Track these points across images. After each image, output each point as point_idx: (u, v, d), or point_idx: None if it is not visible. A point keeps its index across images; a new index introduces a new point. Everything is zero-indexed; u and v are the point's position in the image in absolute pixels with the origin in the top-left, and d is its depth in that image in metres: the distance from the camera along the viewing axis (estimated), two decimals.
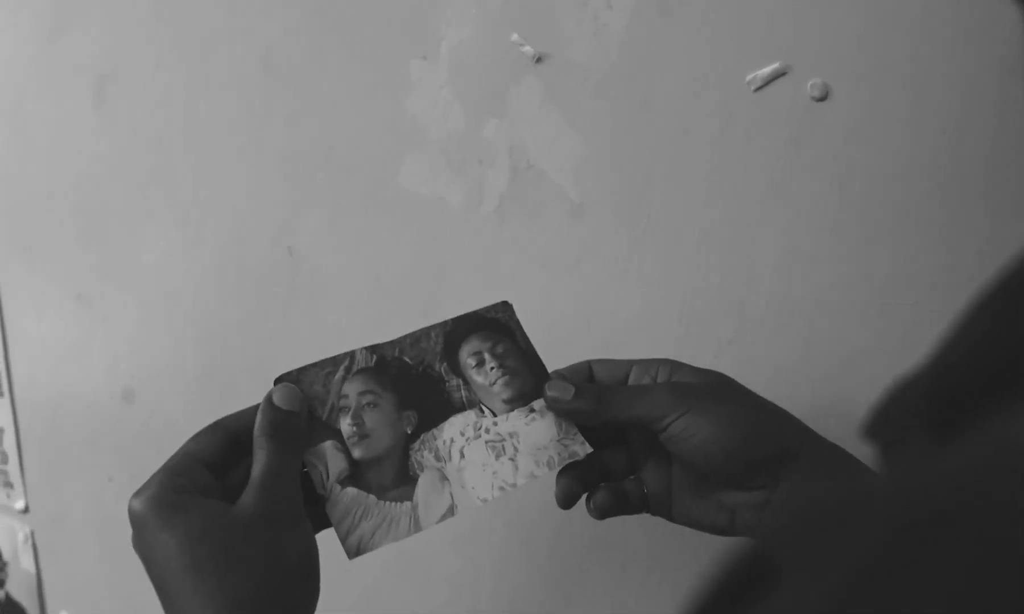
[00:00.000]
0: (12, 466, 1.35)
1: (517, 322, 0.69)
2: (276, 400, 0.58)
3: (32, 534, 1.38)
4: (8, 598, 1.46)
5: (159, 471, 0.56)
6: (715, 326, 0.86)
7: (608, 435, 0.67)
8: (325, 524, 0.59)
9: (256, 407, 0.59)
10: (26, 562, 1.41)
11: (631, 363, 0.67)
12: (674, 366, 0.68)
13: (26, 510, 1.37)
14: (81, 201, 1.16)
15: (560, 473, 0.64)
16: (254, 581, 0.51)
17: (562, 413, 0.65)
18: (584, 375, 0.67)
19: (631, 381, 0.67)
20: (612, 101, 0.84)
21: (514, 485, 0.62)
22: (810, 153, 0.78)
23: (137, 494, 0.55)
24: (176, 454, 0.57)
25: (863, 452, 0.55)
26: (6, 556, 1.43)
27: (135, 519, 0.55)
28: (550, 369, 0.67)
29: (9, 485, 1.37)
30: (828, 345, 0.81)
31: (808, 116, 0.77)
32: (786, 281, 0.82)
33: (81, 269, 1.18)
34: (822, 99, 0.76)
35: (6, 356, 1.29)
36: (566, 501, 0.64)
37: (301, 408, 0.59)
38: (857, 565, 0.22)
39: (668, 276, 0.86)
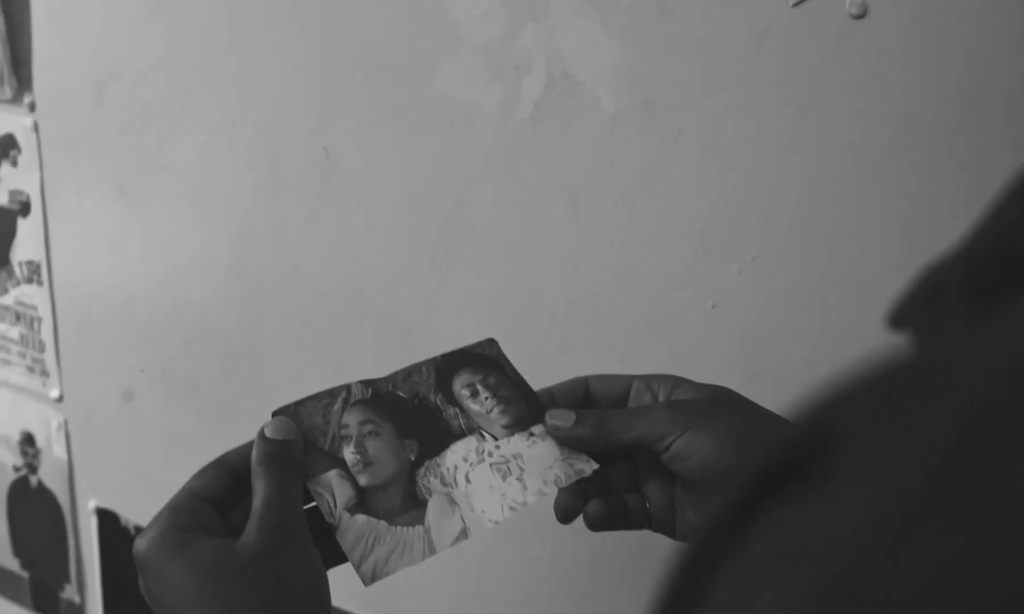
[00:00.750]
0: (48, 355, 1.38)
1: (505, 357, 0.69)
2: (268, 433, 0.57)
3: (65, 423, 1.42)
4: (40, 485, 1.50)
5: (163, 510, 0.55)
6: (740, 242, 0.86)
7: (611, 452, 0.66)
8: (337, 560, 0.58)
9: None
10: (58, 450, 1.45)
11: (631, 379, 0.67)
12: (675, 382, 0.67)
13: (60, 399, 1.40)
14: (126, 95, 1.17)
15: (560, 488, 0.63)
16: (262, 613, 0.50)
17: (563, 440, 0.64)
18: (580, 393, 0.67)
19: (631, 398, 0.66)
20: (650, 12, 0.84)
21: (524, 503, 0.61)
22: (845, 72, 0.78)
23: (142, 535, 0.54)
24: (179, 492, 0.56)
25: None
26: (39, 444, 1.47)
27: (140, 560, 0.54)
28: (549, 382, 0.67)
29: (45, 374, 1.40)
30: (851, 267, 0.82)
31: (845, 33, 0.77)
32: (812, 201, 0.82)
33: (123, 162, 1.20)
34: (860, 16, 0.76)
35: (47, 247, 1.32)
36: (565, 515, 0.64)
37: (296, 437, 0.58)
38: (947, 440, 0.21)
39: (696, 189, 0.86)
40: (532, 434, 0.64)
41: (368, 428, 0.62)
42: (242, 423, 1.20)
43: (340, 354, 1.11)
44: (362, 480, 0.59)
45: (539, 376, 0.99)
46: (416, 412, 0.64)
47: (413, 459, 0.62)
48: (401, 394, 0.64)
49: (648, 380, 0.66)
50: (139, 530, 1.39)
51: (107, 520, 1.44)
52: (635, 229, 0.90)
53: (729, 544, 0.24)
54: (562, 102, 0.90)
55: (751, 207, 0.85)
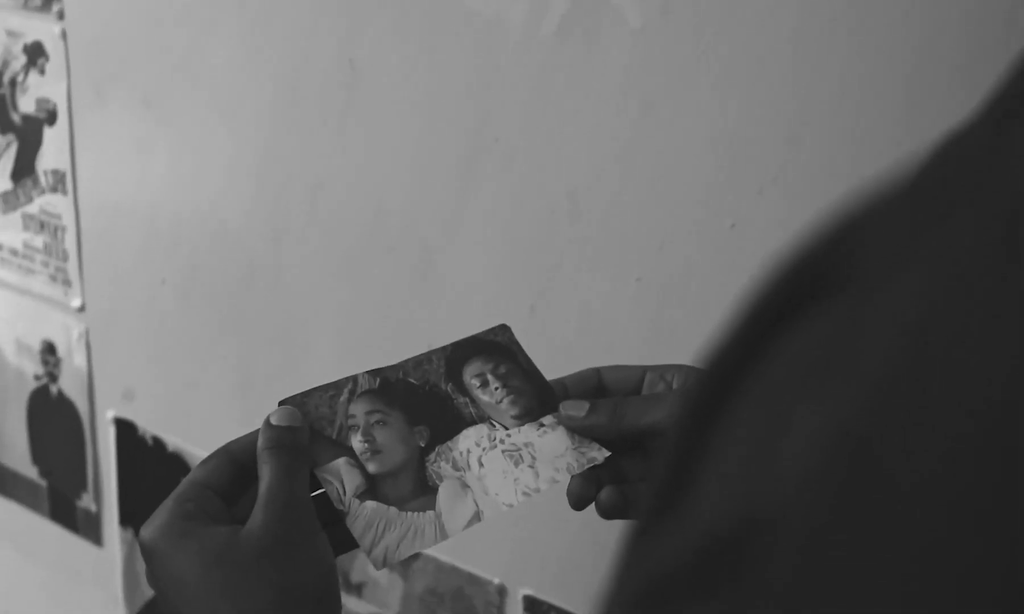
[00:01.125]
0: (71, 264, 1.40)
1: (517, 344, 0.69)
2: (274, 420, 0.57)
3: (86, 332, 1.44)
4: (60, 394, 1.52)
5: (167, 499, 0.54)
6: (762, 161, 0.87)
7: (625, 441, 0.66)
8: (346, 547, 0.58)
9: None
10: (79, 360, 1.47)
11: (644, 369, 0.66)
12: (689, 370, 0.66)
13: (82, 308, 1.42)
14: (154, 4, 1.18)
15: (574, 474, 0.63)
16: (269, 602, 0.50)
17: (578, 430, 0.64)
18: (592, 383, 0.66)
19: (645, 387, 0.66)
20: None
21: (537, 490, 0.61)
22: None
23: (146, 525, 0.54)
24: (184, 482, 0.56)
25: None
26: (60, 353, 1.49)
27: (146, 550, 0.53)
28: (562, 373, 0.67)
29: (67, 283, 1.42)
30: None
31: None
32: (837, 121, 0.82)
33: (149, 71, 1.21)
34: None
35: (72, 156, 1.33)
36: (579, 502, 0.63)
37: (302, 424, 0.58)
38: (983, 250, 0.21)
39: (719, 106, 0.87)
40: (543, 425, 0.64)
41: (376, 417, 0.62)
42: (261, 335, 1.23)
43: (360, 269, 1.12)
44: (371, 467, 0.59)
45: (557, 299, 1.00)
46: (427, 399, 0.64)
47: (423, 445, 0.62)
48: (412, 381, 0.64)
49: (662, 370, 0.65)
50: (157, 441, 1.42)
51: (125, 430, 1.46)
52: (656, 144, 0.91)
53: (754, 361, 0.24)
54: (588, 17, 0.90)
55: (774, 126, 0.85)
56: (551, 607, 1.14)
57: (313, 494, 0.57)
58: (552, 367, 1.02)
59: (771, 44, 0.83)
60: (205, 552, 0.51)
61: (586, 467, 0.62)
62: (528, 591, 1.16)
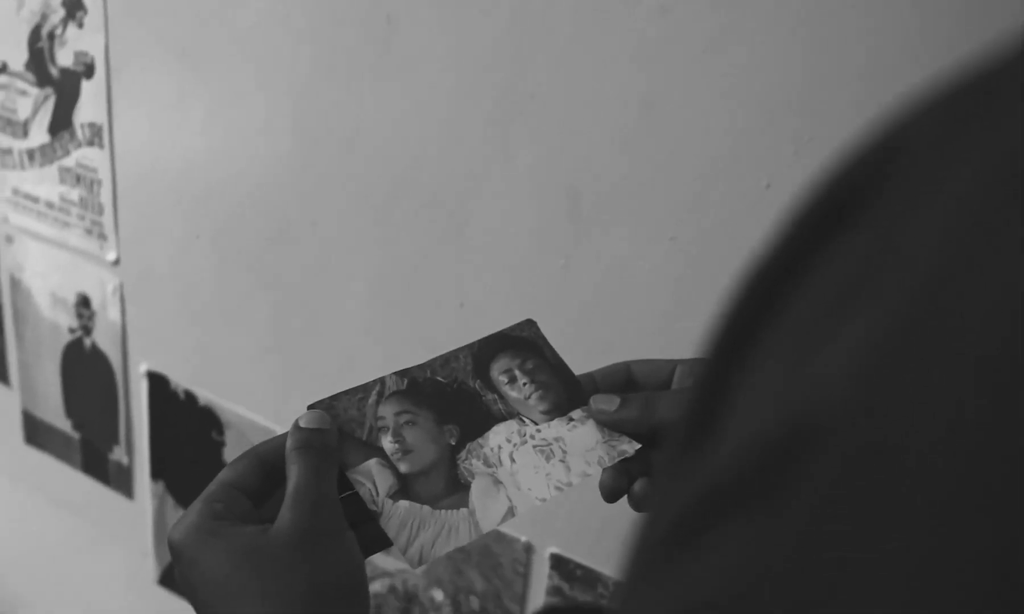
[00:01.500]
0: (107, 218, 1.41)
1: (543, 338, 0.69)
2: (302, 423, 0.57)
3: (121, 286, 1.45)
4: (94, 347, 1.54)
5: (196, 500, 0.54)
6: (798, 121, 0.86)
7: (657, 435, 0.64)
8: (376, 547, 0.58)
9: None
10: (113, 313, 1.48)
11: (674, 363, 0.65)
12: None
13: (117, 262, 1.43)
14: None
15: (605, 467, 0.63)
16: (298, 598, 0.50)
17: (608, 424, 0.63)
18: (622, 377, 0.66)
19: (675, 381, 0.65)
20: None
21: (569, 484, 0.61)
22: None
23: (176, 525, 0.54)
24: (213, 484, 0.56)
25: None
26: (94, 306, 1.50)
27: (175, 550, 0.53)
28: (590, 367, 0.66)
29: (103, 236, 1.43)
30: None
31: None
32: (877, 81, 0.82)
33: (187, 24, 1.21)
34: None
35: (109, 109, 1.34)
36: (611, 495, 0.62)
37: (330, 426, 0.58)
38: None
39: (758, 64, 0.86)
40: (572, 419, 0.64)
41: (405, 418, 0.62)
42: (294, 290, 1.23)
43: (393, 224, 1.12)
44: (402, 467, 0.59)
45: (590, 257, 1.00)
46: (455, 397, 0.64)
47: (453, 443, 0.62)
48: (440, 379, 0.64)
49: (692, 364, 0.64)
50: (188, 395, 1.43)
51: (157, 383, 1.48)
52: (692, 100, 0.90)
53: (793, 278, 0.24)
54: None
55: (813, 85, 0.84)
56: (577, 565, 1.15)
57: (344, 495, 0.57)
58: (583, 325, 1.02)
59: (810, 2, 0.82)
60: (233, 551, 0.51)
61: (617, 460, 0.62)
62: (555, 549, 1.17)
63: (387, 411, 0.62)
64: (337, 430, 0.59)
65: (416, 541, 0.57)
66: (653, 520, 0.25)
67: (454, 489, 0.60)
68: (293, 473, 0.54)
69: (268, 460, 0.57)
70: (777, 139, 0.87)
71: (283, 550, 0.51)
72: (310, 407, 0.59)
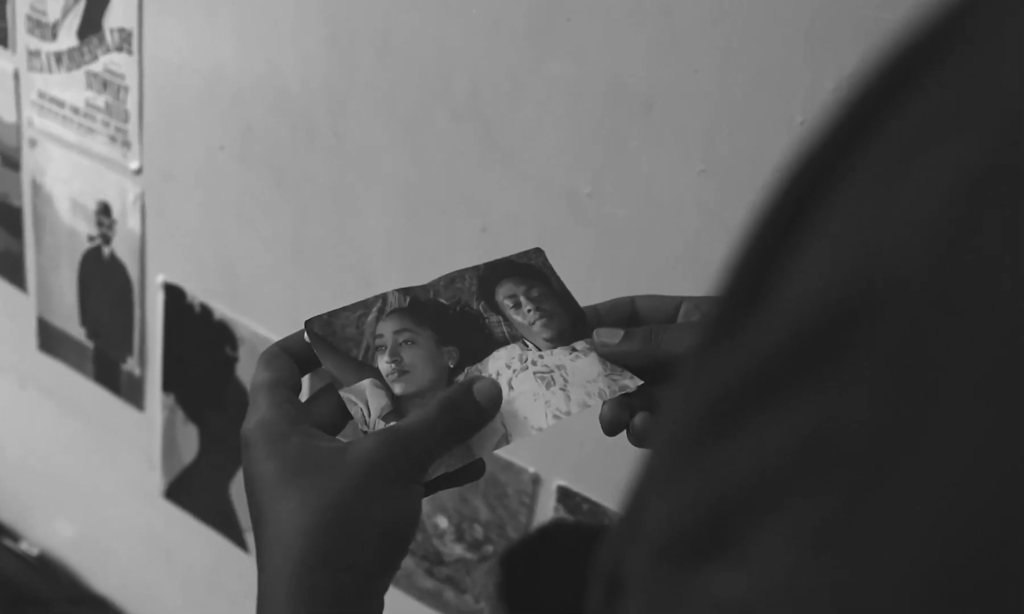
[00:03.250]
0: (132, 126, 1.41)
1: (550, 267, 0.67)
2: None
3: (142, 195, 1.45)
4: (112, 256, 1.54)
5: (262, 394, 0.53)
6: (838, 55, 0.85)
7: (659, 371, 0.63)
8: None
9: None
10: (133, 222, 1.48)
11: (679, 299, 0.64)
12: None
13: (139, 171, 1.43)
14: None
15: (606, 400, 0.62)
16: (373, 539, 0.49)
17: (611, 357, 0.62)
18: (626, 311, 0.64)
19: (680, 317, 0.64)
20: None
21: (568, 413, 0.60)
22: None
23: (248, 418, 0.53)
24: (269, 382, 0.54)
25: None
26: (115, 214, 1.50)
27: (244, 441, 0.52)
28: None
29: (126, 144, 1.43)
30: None
31: None
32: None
33: None
34: None
35: (140, 14, 1.33)
36: (611, 427, 0.61)
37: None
38: None
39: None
40: (575, 349, 0.63)
41: (404, 337, 0.60)
42: (316, 203, 1.23)
43: (420, 136, 1.11)
44: (397, 388, 0.58)
45: (616, 184, 0.99)
46: (457, 319, 0.63)
47: (452, 366, 0.61)
48: (442, 301, 0.63)
49: (698, 301, 0.63)
50: (204, 308, 1.43)
51: (173, 295, 1.48)
52: (731, 28, 0.89)
53: (864, 135, 0.22)
54: None
55: (855, 18, 0.83)
56: (584, 499, 1.15)
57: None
58: (606, 254, 1.02)
59: None
60: (319, 485, 0.49)
61: (618, 394, 0.61)
62: (562, 482, 1.17)
63: (386, 328, 0.61)
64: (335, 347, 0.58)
65: None
66: (685, 410, 0.24)
67: None
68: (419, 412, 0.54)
69: (298, 355, 0.56)
70: (817, 73, 0.86)
71: (358, 474, 0.50)
72: (307, 323, 0.58)
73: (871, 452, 0.19)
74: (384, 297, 0.62)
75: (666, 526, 0.23)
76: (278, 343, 0.57)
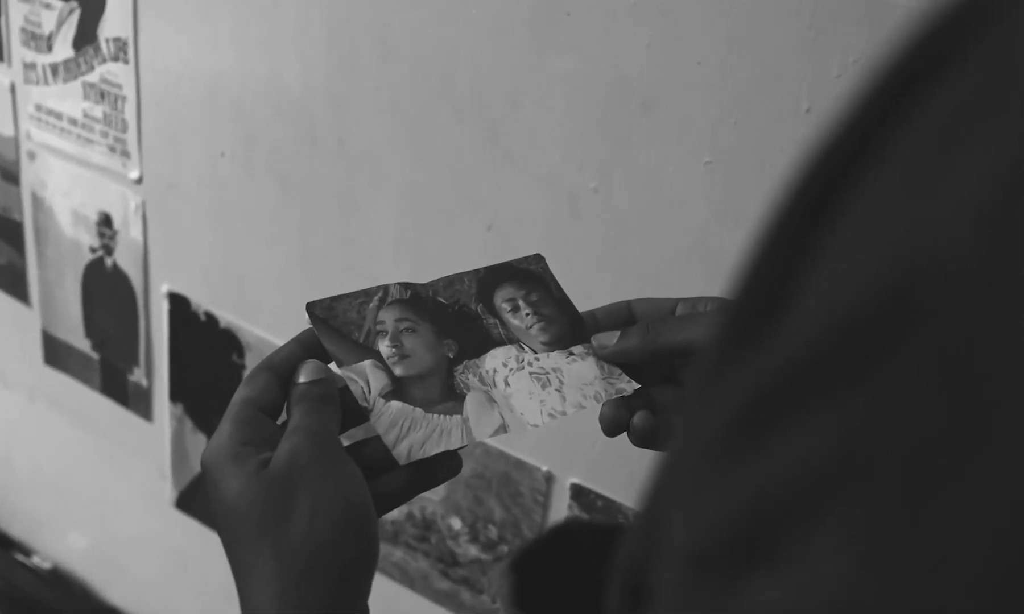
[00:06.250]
0: (130, 135, 1.40)
1: (550, 273, 0.67)
2: (302, 378, 0.55)
3: (143, 205, 1.44)
4: (115, 267, 1.53)
5: (225, 421, 0.54)
6: (843, 43, 0.84)
7: (655, 373, 0.63)
8: (377, 467, 0.56)
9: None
10: (135, 232, 1.47)
11: (675, 301, 0.64)
12: (723, 302, 0.63)
13: (140, 180, 1.42)
14: None
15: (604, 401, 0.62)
16: (295, 530, 0.50)
17: (610, 357, 0.62)
18: (623, 316, 0.64)
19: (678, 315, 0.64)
20: None
21: (563, 413, 0.60)
22: None
23: (207, 446, 0.54)
24: (236, 403, 0.54)
25: None
26: (116, 225, 1.49)
27: (203, 469, 0.54)
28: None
29: (126, 154, 1.42)
30: None
31: None
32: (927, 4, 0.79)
33: None
34: None
35: (135, 23, 1.32)
36: (611, 427, 0.61)
37: (328, 375, 0.56)
38: None
39: None
40: (572, 353, 0.63)
41: (405, 324, 0.61)
42: (321, 209, 1.22)
43: (425, 138, 1.10)
44: (397, 370, 0.59)
45: (622, 178, 0.98)
46: (456, 317, 0.63)
47: (451, 357, 0.61)
48: (441, 300, 0.63)
49: (694, 301, 0.63)
50: (209, 316, 1.42)
51: (178, 304, 1.47)
52: (734, 17, 0.88)
53: (895, 118, 0.21)
54: None
55: (860, 2, 0.82)
56: (598, 496, 1.14)
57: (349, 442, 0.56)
58: (614, 249, 1.01)
59: None
60: (246, 478, 0.51)
61: (614, 397, 0.61)
62: (576, 479, 1.16)
63: (387, 316, 0.61)
64: (335, 380, 0.57)
65: (405, 440, 0.56)
66: (711, 415, 0.23)
67: (449, 397, 0.59)
68: (294, 414, 0.54)
69: (283, 373, 0.56)
70: (822, 60, 0.85)
71: (279, 480, 0.50)
72: (309, 305, 0.58)
73: (928, 454, 0.18)
74: (386, 288, 0.62)
75: (698, 535, 0.22)
76: (264, 360, 0.57)
